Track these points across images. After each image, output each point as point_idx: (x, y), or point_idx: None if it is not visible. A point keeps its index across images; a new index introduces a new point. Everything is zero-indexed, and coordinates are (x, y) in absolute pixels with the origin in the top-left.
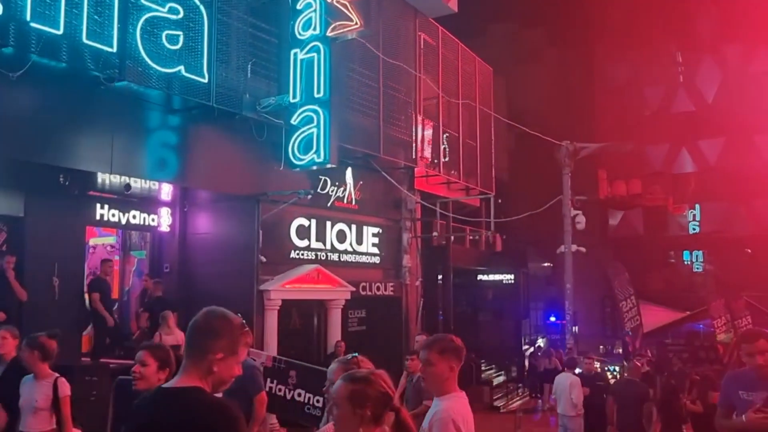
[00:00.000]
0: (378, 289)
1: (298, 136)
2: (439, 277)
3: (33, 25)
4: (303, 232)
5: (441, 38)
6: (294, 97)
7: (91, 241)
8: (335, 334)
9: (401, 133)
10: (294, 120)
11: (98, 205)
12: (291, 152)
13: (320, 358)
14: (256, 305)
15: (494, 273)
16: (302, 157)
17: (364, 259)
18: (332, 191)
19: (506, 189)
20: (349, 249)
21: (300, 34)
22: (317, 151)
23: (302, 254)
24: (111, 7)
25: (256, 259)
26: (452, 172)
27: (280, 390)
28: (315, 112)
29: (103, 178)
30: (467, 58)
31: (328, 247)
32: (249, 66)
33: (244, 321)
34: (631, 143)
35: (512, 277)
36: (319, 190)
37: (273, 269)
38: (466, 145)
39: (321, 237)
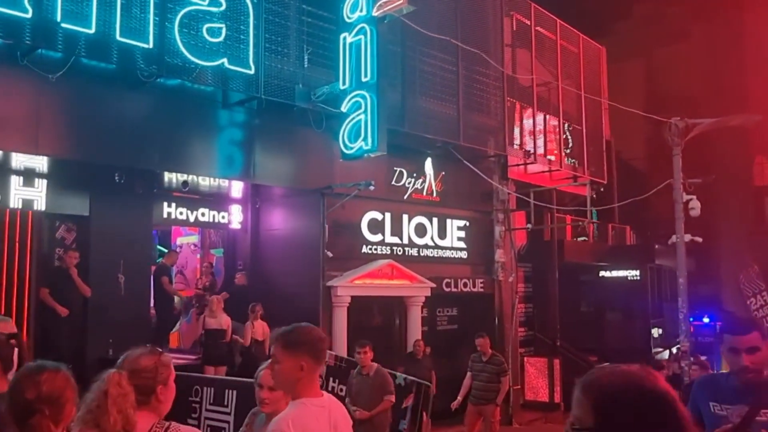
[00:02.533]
0: (465, 285)
1: (348, 123)
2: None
3: (64, 25)
4: (376, 226)
5: (534, 16)
6: (343, 83)
7: (178, 240)
8: (415, 332)
9: (490, 120)
10: (344, 107)
11: (165, 204)
12: (342, 141)
13: (399, 357)
14: (322, 302)
15: (617, 269)
16: (352, 145)
17: (448, 254)
18: (409, 183)
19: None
20: (430, 243)
21: (348, 17)
22: (365, 138)
23: (375, 249)
24: (147, 4)
25: (322, 255)
26: (555, 160)
27: (341, 390)
28: (363, 97)
29: (170, 177)
30: (570, 37)
31: (405, 241)
32: (306, 55)
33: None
34: (758, 116)
35: (638, 273)
36: (393, 182)
37: (342, 265)
38: (575, 131)
39: (397, 231)
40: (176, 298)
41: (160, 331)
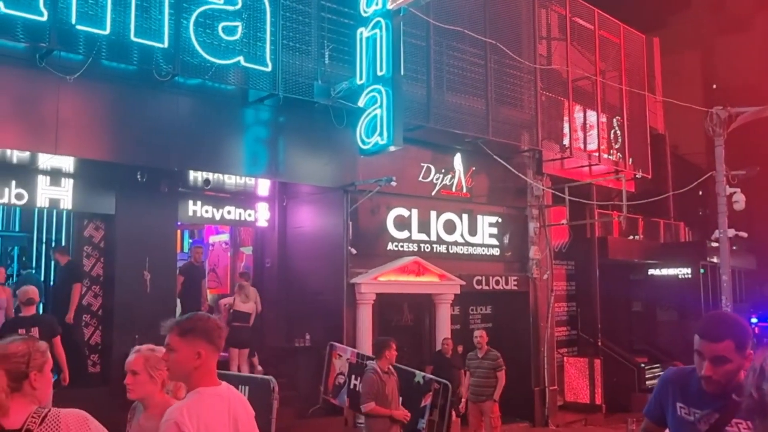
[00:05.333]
0: (497, 283)
1: (365, 118)
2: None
3: (80, 27)
4: (402, 222)
5: (569, 6)
6: (360, 78)
7: (210, 239)
8: (444, 330)
9: (523, 114)
10: (361, 102)
11: (191, 202)
12: (359, 136)
13: (428, 355)
14: (346, 299)
15: (668, 267)
16: (368, 140)
17: (479, 251)
18: (437, 179)
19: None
20: (460, 240)
21: (365, 11)
22: (380, 133)
23: (402, 246)
24: (162, 4)
25: (346, 252)
26: (595, 154)
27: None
28: (378, 91)
29: (195, 175)
30: (610, 27)
31: (433, 238)
32: (326, 51)
33: None
34: None
35: (689, 271)
36: (421, 178)
37: (367, 262)
38: (622, 124)
39: (424, 228)
40: (209, 296)
41: None
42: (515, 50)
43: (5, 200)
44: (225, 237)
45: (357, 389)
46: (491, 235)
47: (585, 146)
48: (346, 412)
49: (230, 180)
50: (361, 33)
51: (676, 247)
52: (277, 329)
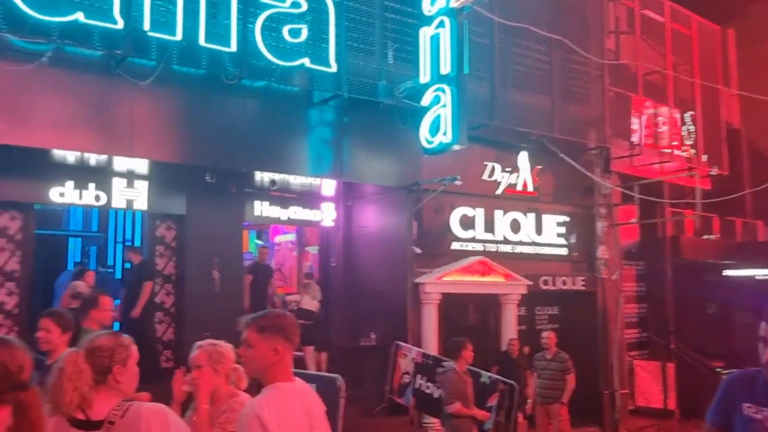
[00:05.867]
0: (564, 283)
1: (429, 117)
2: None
3: (152, 34)
4: (467, 222)
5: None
6: (424, 77)
7: (276, 239)
8: (509, 331)
9: (591, 111)
10: (425, 101)
11: (257, 202)
12: (423, 136)
13: (494, 356)
14: (410, 299)
15: (744, 267)
16: (432, 139)
17: (545, 250)
18: (502, 178)
19: None
20: (526, 239)
21: (428, 10)
22: (445, 132)
23: (466, 246)
24: (229, 9)
25: (410, 251)
26: (667, 151)
27: (428, 388)
28: (442, 90)
29: (261, 176)
30: (681, 20)
31: (499, 237)
32: (390, 51)
33: None
34: None
35: (767, 272)
36: (485, 177)
37: (431, 262)
38: (696, 119)
39: (489, 227)
40: (277, 295)
41: None
42: (582, 45)
43: (85, 202)
44: (291, 237)
45: (422, 389)
46: (558, 235)
47: (656, 143)
48: (412, 412)
49: (296, 180)
50: (425, 32)
51: (753, 247)
52: (342, 328)
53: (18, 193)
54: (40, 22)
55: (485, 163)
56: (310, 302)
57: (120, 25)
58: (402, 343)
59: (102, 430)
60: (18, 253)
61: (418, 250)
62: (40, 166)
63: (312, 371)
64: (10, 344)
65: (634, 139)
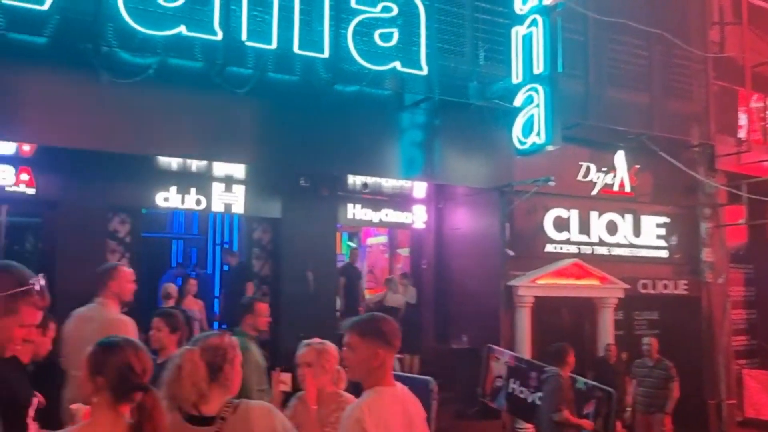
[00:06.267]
0: (665, 287)
1: (521, 118)
2: None
3: (249, 44)
4: (561, 223)
5: None
6: (516, 77)
7: (368, 241)
8: (606, 336)
9: (693, 107)
10: (517, 101)
11: (350, 205)
12: (516, 136)
13: (588, 361)
14: (503, 302)
15: None
16: (525, 140)
17: (644, 252)
18: (598, 178)
19: None
20: (623, 242)
21: (520, 9)
22: (538, 132)
23: (561, 248)
24: (322, 16)
25: (503, 254)
26: None
27: (521, 392)
28: (535, 90)
29: (353, 179)
30: None
31: (594, 239)
32: (481, 52)
33: (39, 281)
34: None
35: None
36: (580, 177)
37: (524, 264)
38: None
39: (584, 229)
40: (367, 296)
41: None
42: (683, 39)
43: (187, 206)
44: (382, 239)
45: (516, 393)
46: (658, 236)
47: (765, 139)
48: (505, 416)
49: (387, 183)
50: (517, 31)
51: None
52: (434, 330)
53: (127, 198)
54: (147, 36)
55: (580, 163)
56: (394, 298)
57: (219, 36)
58: (494, 347)
59: (214, 426)
60: (127, 254)
61: (511, 253)
62: (147, 173)
63: (403, 372)
64: (138, 348)
65: (741, 135)
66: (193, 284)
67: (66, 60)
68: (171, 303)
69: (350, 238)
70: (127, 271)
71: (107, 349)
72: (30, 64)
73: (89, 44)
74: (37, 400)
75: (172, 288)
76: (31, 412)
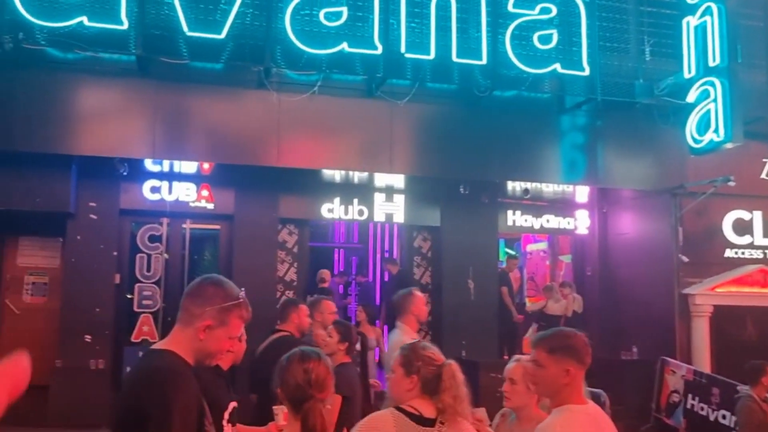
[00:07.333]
0: None
1: (696, 114)
2: None
3: (408, 55)
4: (743, 226)
5: None
6: (689, 71)
7: (528, 248)
8: None
9: None
10: (690, 97)
11: (510, 212)
12: (690, 134)
13: None
14: (678, 311)
15: None
16: (700, 138)
17: None
18: None
19: None
20: None
21: None
22: (716, 129)
23: (742, 253)
24: (479, 23)
25: (676, 260)
26: None
27: (702, 409)
28: (711, 84)
29: (513, 185)
30: None
31: None
32: (646, 47)
33: (242, 294)
34: None
35: None
36: (763, 176)
37: (699, 271)
38: None
39: None
40: (527, 304)
41: (505, 336)
42: None
43: (350, 217)
44: (543, 245)
45: (695, 410)
46: None
47: None
48: None
49: (548, 188)
50: (688, 22)
51: None
52: (600, 340)
53: (295, 210)
54: (311, 55)
55: (763, 160)
56: (555, 307)
57: (379, 50)
58: (669, 359)
59: (435, 428)
60: (295, 264)
61: (686, 259)
62: (312, 186)
63: None
64: (321, 359)
65: None
66: (360, 312)
67: (239, 82)
68: (325, 286)
69: (507, 245)
70: (422, 296)
71: (284, 364)
72: (207, 88)
73: (260, 66)
74: (234, 404)
75: (325, 273)
76: (226, 415)
